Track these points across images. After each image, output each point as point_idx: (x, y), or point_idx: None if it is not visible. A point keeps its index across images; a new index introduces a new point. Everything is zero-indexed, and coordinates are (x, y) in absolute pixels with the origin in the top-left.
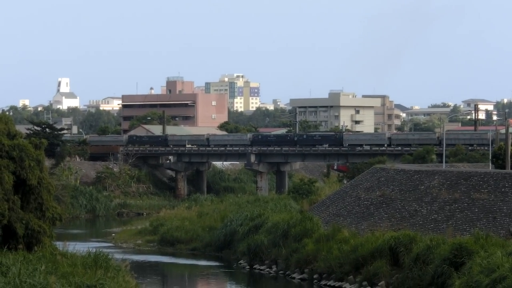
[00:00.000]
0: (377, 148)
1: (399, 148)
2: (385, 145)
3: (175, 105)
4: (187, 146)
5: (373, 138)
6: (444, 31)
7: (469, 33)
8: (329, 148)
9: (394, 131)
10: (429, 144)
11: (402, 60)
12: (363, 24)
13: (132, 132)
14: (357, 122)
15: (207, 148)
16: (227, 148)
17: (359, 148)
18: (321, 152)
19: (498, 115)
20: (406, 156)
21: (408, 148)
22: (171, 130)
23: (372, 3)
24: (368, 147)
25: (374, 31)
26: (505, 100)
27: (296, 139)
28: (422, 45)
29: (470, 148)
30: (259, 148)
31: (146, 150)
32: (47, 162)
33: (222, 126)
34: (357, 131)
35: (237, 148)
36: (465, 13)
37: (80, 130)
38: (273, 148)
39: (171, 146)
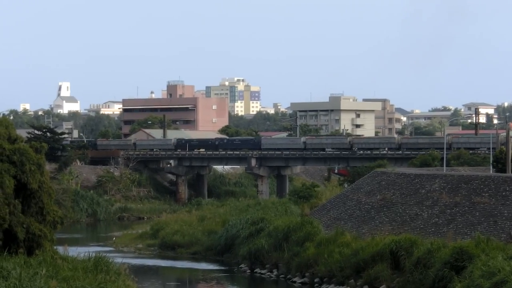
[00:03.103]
0: (294, 153)
1: (309, 152)
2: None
3: (175, 109)
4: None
5: (289, 142)
6: (444, 36)
7: (470, 37)
8: (330, 152)
9: (395, 135)
10: (342, 149)
11: (403, 64)
12: (362, 30)
13: (133, 136)
14: (357, 126)
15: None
16: (228, 152)
17: (271, 152)
18: (322, 156)
19: (498, 118)
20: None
21: (324, 152)
22: (172, 134)
23: (370, 10)
24: (286, 151)
25: (372, 36)
26: (506, 104)
27: (217, 143)
28: (421, 49)
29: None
30: (260, 152)
31: (146, 154)
32: (48, 166)
33: (223, 130)
34: (358, 135)
35: (238, 152)
36: (465, 18)
37: (81, 134)
38: (273, 152)
39: (100, 150)
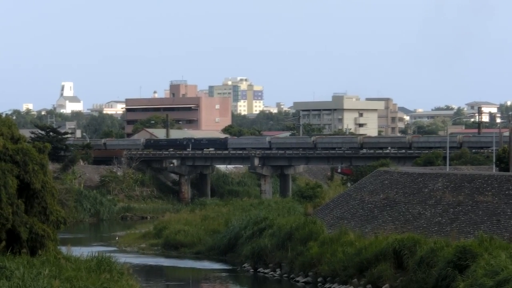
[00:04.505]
0: (298, 152)
1: (277, 151)
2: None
3: (178, 108)
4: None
5: (254, 142)
6: (448, 33)
7: (474, 37)
8: (333, 151)
9: (399, 134)
10: (306, 148)
11: (406, 63)
12: (364, 29)
13: (135, 136)
14: (360, 125)
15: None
16: (231, 152)
17: (275, 151)
18: (325, 155)
19: (501, 117)
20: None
21: (289, 151)
22: (174, 133)
23: (372, 10)
24: (249, 150)
25: (374, 35)
26: (509, 103)
27: (185, 143)
28: (425, 49)
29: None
30: (263, 152)
31: (149, 153)
32: (51, 166)
33: (226, 130)
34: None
35: (241, 152)
36: (468, 16)
37: (84, 134)
38: (277, 152)
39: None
